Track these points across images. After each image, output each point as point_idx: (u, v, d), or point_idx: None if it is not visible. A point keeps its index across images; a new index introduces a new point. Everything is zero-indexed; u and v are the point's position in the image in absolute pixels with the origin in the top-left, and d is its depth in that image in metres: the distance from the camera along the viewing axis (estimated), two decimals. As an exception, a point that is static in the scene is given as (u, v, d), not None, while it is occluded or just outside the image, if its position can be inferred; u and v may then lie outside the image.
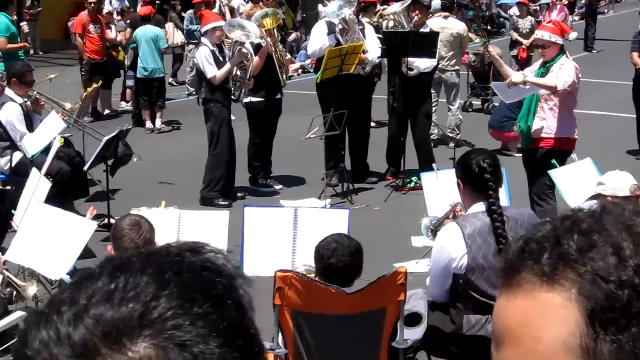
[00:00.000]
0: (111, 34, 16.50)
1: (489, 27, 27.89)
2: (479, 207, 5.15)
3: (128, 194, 10.22)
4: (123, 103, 16.96)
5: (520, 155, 9.26)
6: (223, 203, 10.06)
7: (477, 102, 16.87)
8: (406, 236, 8.60)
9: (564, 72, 8.25)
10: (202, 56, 10.28)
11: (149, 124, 14.94)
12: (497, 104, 16.17)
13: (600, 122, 14.66)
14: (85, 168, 9.13)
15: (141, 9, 17.00)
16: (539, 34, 8.65)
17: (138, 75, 15.26)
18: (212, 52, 10.32)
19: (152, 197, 8.16)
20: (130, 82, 16.41)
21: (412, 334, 5.07)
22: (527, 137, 8.56)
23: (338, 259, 4.78)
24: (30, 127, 9.31)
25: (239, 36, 10.25)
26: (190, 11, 19.04)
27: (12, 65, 10.67)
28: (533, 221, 5.30)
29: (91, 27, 15.79)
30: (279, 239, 6.13)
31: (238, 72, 10.43)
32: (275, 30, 11.04)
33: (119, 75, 16.81)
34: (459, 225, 5.12)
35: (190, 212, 6.57)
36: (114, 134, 9.09)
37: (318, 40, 11.01)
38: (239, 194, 10.65)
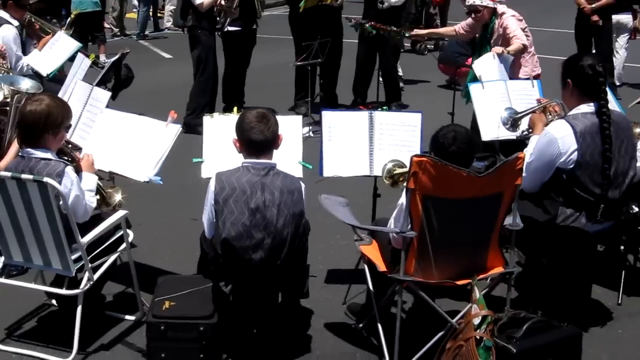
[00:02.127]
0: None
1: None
2: (587, 107, 5.60)
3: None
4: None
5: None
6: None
7: (407, 44, 17.36)
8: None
9: (512, 28, 8.64)
10: (189, -18, 10.35)
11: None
12: (431, 46, 16.79)
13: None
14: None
15: None
16: (470, 0, 8.90)
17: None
18: (199, -22, 10.41)
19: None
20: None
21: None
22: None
23: (458, 147, 5.10)
24: (24, 50, 9.24)
25: (225, -36, 10.35)
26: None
27: (8, -14, 10.47)
28: (628, 124, 5.79)
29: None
30: (355, 140, 6.40)
31: (223, 2, 10.52)
32: (252, -39, 11.15)
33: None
34: (569, 123, 5.53)
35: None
36: (117, 56, 9.11)
37: None
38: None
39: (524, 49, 8.61)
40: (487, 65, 8.11)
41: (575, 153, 5.46)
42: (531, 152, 5.67)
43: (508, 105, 7.00)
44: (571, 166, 5.48)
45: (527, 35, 8.72)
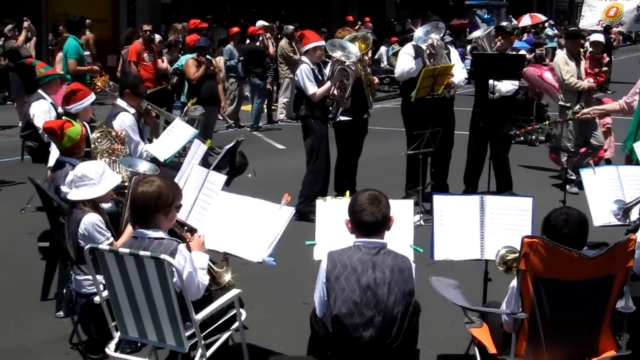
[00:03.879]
0: (163, 63, 16.78)
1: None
2: None
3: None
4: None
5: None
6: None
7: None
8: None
9: None
10: (303, 73, 10.66)
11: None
12: (542, 137, 16.75)
13: None
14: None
15: (188, 37, 17.31)
16: None
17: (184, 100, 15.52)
18: (312, 70, 10.69)
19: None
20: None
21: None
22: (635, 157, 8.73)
23: (570, 229, 5.12)
24: (142, 137, 9.58)
25: (340, 56, 10.62)
26: (229, 46, 19.39)
27: (126, 76, 10.93)
28: None
29: (145, 56, 16.09)
30: (467, 224, 6.42)
31: (336, 92, 10.77)
32: (365, 55, 11.40)
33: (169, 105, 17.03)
34: None
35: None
36: (232, 143, 9.34)
37: (406, 63, 11.38)
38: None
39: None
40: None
41: None
42: None
43: (620, 190, 6.94)
44: None
45: None
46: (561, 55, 12.99)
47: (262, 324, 7.39)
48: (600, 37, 14.50)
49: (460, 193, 11.65)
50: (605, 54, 11.97)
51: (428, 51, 11.12)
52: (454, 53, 11.81)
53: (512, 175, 12.19)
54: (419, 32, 11.29)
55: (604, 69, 11.99)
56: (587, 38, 15.52)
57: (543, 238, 4.96)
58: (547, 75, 15.48)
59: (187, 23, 20.07)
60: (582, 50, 13.00)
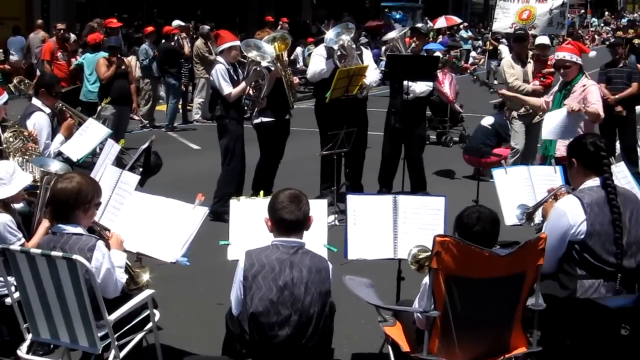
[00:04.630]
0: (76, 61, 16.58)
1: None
2: (592, 182, 5.78)
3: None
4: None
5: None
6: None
7: (433, 136, 17.58)
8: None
9: (595, 97, 8.80)
10: (218, 73, 10.60)
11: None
12: (456, 139, 16.99)
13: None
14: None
15: (90, 36, 17.02)
16: (560, 55, 9.15)
17: (82, 98, 15.49)
18: (228, 70, 10.66)
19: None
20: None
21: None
22: (551, 157, 8.93)
23: (482, 227, 5.20)
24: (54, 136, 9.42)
25: (255, 56, 10.59)
26: (144, 45, 19.22)
27: (42, 75, 10.73)
28: (635, 196, 5.89)
29: (59, 55, 15.86)
30: (380, 224, 6.47)
31: (251, 92, 10.75)
32: (284, 55, 11.40)
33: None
34: (576, 197, 5.67)
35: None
36: (147, 143, 9.26)
37: (317, 65, 11.45)
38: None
39: (597, 118, 8.82)
40: (555, 119, 8.50)
41: (584, 224, 5.58)
42: (543, 231, 5.72)
43: (531, 190, 7.07)
44: (581, 237, 5.59)
45: None
46: (507, 58, 13.10)
47: (177, 325, 7.35)
48: (545, 40, 14.69)
49: (375, 193, 11.74)
50: (551, 56, 12.08)
51: (339, 52, 11.16)
52: (367, 53, 11.91)
53: (426, 176, 12.30)
54: (329, 33, 11.36)
55: (551, 70, 12.07)
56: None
57: (455, 237, 5.02)
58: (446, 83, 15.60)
59: (102, 21, 19.81)
60: (530, 53, 13.08)
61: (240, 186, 11.04)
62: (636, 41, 20.05)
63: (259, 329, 5.16)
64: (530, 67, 12.73)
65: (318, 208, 6.25)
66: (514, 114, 12.32)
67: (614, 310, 5.61)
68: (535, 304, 5.29)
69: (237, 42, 10.96)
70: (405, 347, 5.44)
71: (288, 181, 12.31)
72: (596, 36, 61.57)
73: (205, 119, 19.76)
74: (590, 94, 8.84)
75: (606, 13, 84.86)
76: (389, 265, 6.92)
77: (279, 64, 10.97)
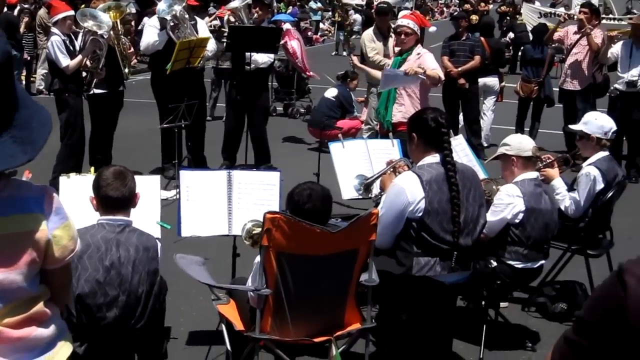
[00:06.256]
0: None
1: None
2: (432, 158, 5.69)
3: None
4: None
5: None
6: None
7: (280, 108, 17.54)
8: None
9: (432, 62, 8.96)
10: (54, 45, 10.24)
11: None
12: (303, 110, 17.00)
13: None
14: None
15: None
16: (404, 22, 9.22)
17: None
18: (64, 41, 10.31)
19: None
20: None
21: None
22: (387, 123, 9.12)
23: (313, 205, 5.13)
24: None
25: (91, 26, 10.29)
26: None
27: None
28: (473, 173, 5.93)
29: None
30: (214, 199, 6.37)
31: (89, 63, 10.45)
32: (118, 24, 11.09)
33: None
34: (416, 173, 5.62)
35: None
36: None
37: (150, 36, 11.26)
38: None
39: (439, 81, 9.03)
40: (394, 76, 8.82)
41: (423, 201, 5.52)
42: (381, 206, 5.71)
43: (368, 164, 7.09)
44: (419, 214, 5.53)
45: None
46: (368, 32, 12.86)
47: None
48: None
49: (218, 167, 11.65)
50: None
51: (172, 23, 10.98)
52: (201, 23, 11.75)
53: (271, 148, 12.24)
54: (162, 4, 11.16)
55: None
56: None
57: (285, 213, 4.94)
58: (294, 44, 15.19)
59: None
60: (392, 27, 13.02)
61: (80, 161, 10.73)
62: (473, 17, 20.33)
63: (86, 311, 4.99)
64: (392, 41, 12.68)
65: (150, 184, 6.13)
66: (373, 89, 12.25)
67: (449, 286, 5.67)
68: (369, 279, 5.26)
69: (72, 12, 10.58)
70: (239, 325, 5.35)
71: (129, 155, 12.16)
72: (444, 9, 62.76)
73: (49, 91, 19.16)
74: (426, 61, 9.02)
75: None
76: (224, 242, 6.81)
77: (112, 32, 10.68)
